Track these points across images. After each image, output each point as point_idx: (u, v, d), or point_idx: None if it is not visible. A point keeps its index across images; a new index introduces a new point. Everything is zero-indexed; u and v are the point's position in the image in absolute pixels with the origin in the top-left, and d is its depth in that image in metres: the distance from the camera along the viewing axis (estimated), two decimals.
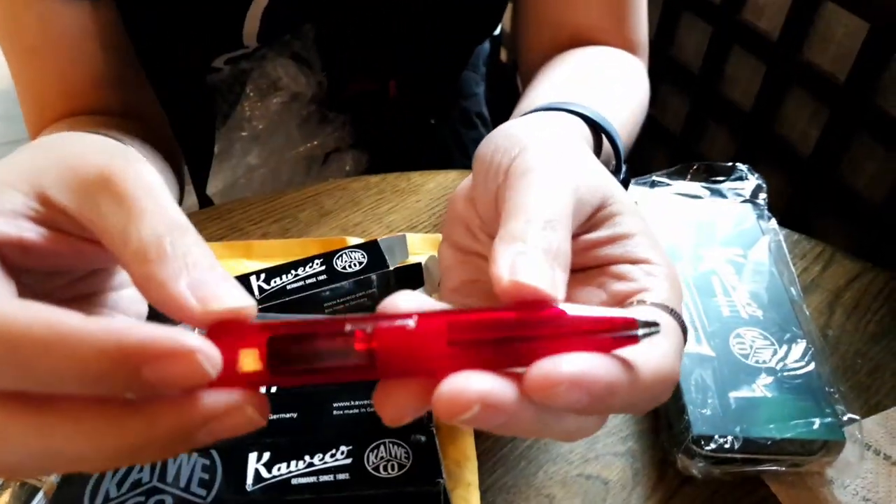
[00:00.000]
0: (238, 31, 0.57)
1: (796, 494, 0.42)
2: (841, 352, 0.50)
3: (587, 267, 0.32)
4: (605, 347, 0.23)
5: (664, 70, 1.00)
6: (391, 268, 0.47)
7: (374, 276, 0.46)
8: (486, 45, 0.82)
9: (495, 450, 0.44)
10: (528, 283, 0.24)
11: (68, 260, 0.27)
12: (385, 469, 0.34)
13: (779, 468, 0.42)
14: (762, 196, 0.55)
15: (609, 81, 0.53)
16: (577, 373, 0.22)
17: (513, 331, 0.23)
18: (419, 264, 0.48)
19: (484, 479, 0.43)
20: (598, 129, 0.42)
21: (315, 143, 0.68)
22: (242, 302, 0.22)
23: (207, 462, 0.34)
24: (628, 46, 0.61)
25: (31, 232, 0.25)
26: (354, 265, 0.47)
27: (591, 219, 0.31)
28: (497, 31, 0.83)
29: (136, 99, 0.55)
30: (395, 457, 0.35)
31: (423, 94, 0.73)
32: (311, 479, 0.34)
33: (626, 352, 0.24)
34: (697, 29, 0.92)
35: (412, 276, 0.47)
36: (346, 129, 0.70)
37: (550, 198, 0.28)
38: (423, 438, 0.36)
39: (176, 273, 0.22)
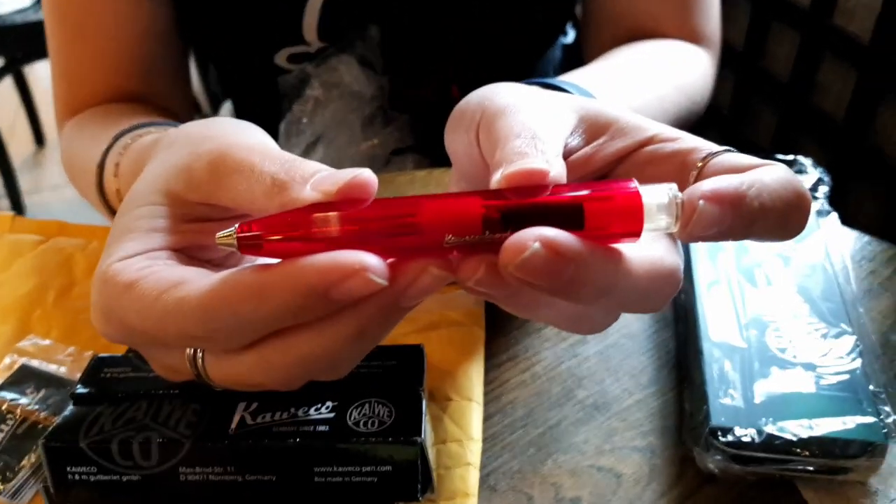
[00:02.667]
0: (298, 24, 0.60)
1: (828, 501, 0.38)
2: None
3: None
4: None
5: (753, 81, 0.96)
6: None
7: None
8: (558, 53, 0.81)
9: (504, 435, 0.43)
10: (515, 169, 0.24)
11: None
12: (365, 425, 0.34)
13: (811, 472, 0.38)
14: (822, 189, 0.51)
15: (635, 66, 0.51)
16: (551, 236, 0.22)
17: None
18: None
19: (489, 462, 0.41)
20: None
21: (376, 141, 0.70)
22: (347, 176, 0.25)
23: (198, 407, 0.35)
24: (693, 38, 0.59)
25: (179, 234, 0.30)
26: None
27: (605, 132, 0.31)
28: (571, 39, 0.82)
29: (172, 91, 0.59)
30: (378, 415, 0.35)
31: None
32: (291, 429, 0.34)
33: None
34: (788, 36, 0.88)
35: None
36: (408, 130, 0.72)
37: (531, 121, 0.28)
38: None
39: (300, 186, 0.25)
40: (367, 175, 0.25)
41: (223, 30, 0.62)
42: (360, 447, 0.33)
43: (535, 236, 0.22)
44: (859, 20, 0.75)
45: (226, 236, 0.25)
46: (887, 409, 0.38)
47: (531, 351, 0.47)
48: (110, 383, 0.37)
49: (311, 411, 0.35)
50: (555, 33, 0.72)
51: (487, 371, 0.46)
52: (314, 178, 0.26)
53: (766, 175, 0.25)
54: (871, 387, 0.39)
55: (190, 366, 0.29)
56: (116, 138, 0.46)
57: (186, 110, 0.64)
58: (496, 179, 0.25)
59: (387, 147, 0.72)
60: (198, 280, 0.26)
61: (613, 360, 0.47)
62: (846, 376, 0.39)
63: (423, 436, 0.34)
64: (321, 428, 0.34)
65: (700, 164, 0.28)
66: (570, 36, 0.82)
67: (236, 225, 0.25)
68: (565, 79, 0.47)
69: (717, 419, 0.38)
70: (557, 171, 0.25)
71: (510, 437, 0.43)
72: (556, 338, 0.48)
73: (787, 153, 0.56)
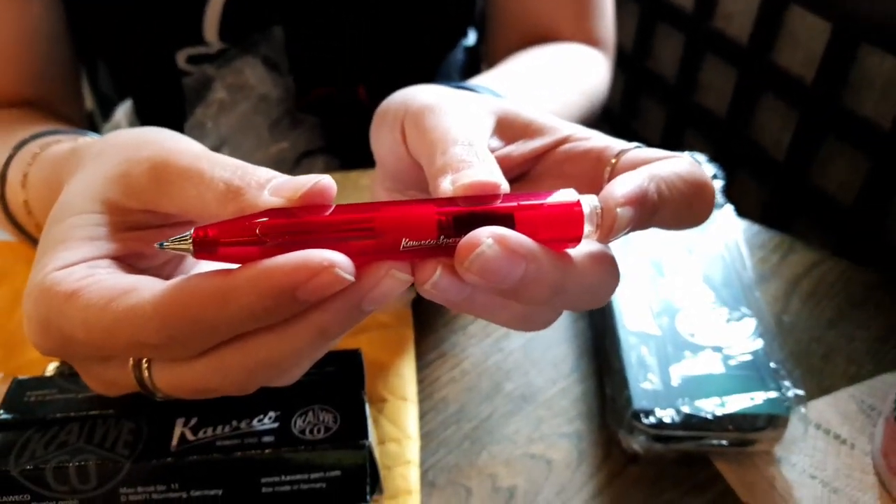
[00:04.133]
0: (198, 24, 0.59)
1: (743, 473, 0.42)
2: (796, 337, 0.49)
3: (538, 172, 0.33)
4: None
5: (642, 81, 1.01)
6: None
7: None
8: (460, 55, 0.83)
9: (438, 431, 0.44)
10: (470, 181, 0.26)
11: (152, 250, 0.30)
12: (311, 432, 0.34)
13: (724, 446, 0.41)
14: (717, 183, 0.55)
15: (541, 70, 0.54)
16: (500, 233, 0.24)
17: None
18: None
19: (426, 458, 0.43)
20: None
21: (285, 145, 0.69)
22: (308, 183, 0.25)
23: (134, 426, 0.34)
24: (590, 41, 0.62)
25: (118, 242, 0.29)
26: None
27: (522, 133, 0.33)
28: (472, 42, 0.84)
29: (66, 95, 0.57)
30: (323, 421, 0.35)
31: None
32: (236, 442, 0.34)
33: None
34: (673, 38, 0.93)
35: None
36: (317, 132, 0.71)
37: (459, 125, 0.29)
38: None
39: (256, 191, 0.25)
40: (327, 181, 0.25)
41: (120, 30, 0.59)
42: (308, 455, 0.33)
43: (488, 233, 0.23)
44: (738, 23, 0.81)
45: (180, 241, 0.25)
46: (787, 383, 0.42)
47: (458, 348, 0.49)
48: (36, 407, 0.35)
49: (255, 422, 0.35)
50: (457, 34, 0.73)
51: (418, 370, 0.47)
52: (272, 183, 0.25)
53: (666, 168, 0.27)
54: (771, 364, 0.42)
55: (133, 375, 0.29)
56: (18, 147, 0.44)
57: (80, 114, 0.62)
58: (446, 188, 0.26)
59: (296, 150, 0.72)
60: (149, 287, 0.25)
61: (536, 351, 0.49)
62: (749, 356, 0.43)
63: (369, 439, 0.34)
64: (266, 438, 0.34)
65: (613, 161, 0.30)
66: (472, 38, 0.84)
67: (191, 230, 0.25)
68: (476, 82, 0.49)
69: (638, 402, 0.41)
70: (505, 182, 0.26)
71: (445, 433, 0.44)
72: (481, 334, 0.50)
73: (674, 149, 0.60)
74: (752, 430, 0.40)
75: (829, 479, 0.41)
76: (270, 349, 0.25)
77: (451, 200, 0.26)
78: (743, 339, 0.44)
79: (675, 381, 0.42)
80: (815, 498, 0.40)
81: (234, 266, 0.25)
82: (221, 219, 0.25)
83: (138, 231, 0.30)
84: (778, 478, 0.41)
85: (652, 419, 0.40)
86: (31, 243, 0.47)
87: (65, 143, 0.43)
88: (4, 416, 0.35)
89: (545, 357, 0.49)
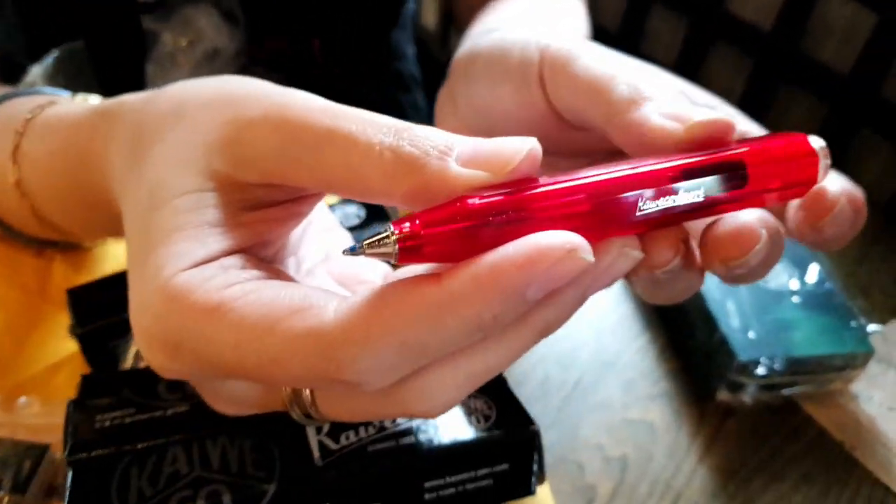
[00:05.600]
0: None
1: (830, 413, 0.42)
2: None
3: None
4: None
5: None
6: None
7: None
8: (413, 3, 0.78)
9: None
10: (704, 120, 0.22)
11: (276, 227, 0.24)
12: (471, 423, 0.30)
13: (814, 388, 0.41)
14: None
15: (558, 11, 0.51)
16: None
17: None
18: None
19: None
20: None
21: None
22: (522, 150, 0.20)
23: (255, 442, 0.28)
24: None
25: (244, 228, 0.23)
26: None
27: None
28: None
29: None
30: (478, 410, 0.30)
31: (349, 54, 0.68)
32: (390, 444, 0.28)
33: None
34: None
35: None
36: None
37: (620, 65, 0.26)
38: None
39: (439, 162, 0.20)
40: (537, 145, 0.20)
41: None
42: (476, 447, 0.29)
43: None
44: None
45: (380, 243, 0.19)
46: (862, 320, 0.42)
47: None
48: (116, 434, 0.27)
49: (401, 419, 0.29)
50: None
51: None
52: (461, 151, 0.20)
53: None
54: (847, 303, 0.43)
55: (287, 400, 0.23)
56: None
57: None
58: (665, 125, 0.23)
59: None
60: (327, 303, 0.19)
61: (598, 318, 0.46)
62: (825, 298, 0.43)
63: (534, 421, 0.30)
64: (424, 437, 0.29)
65: None
66: None
67: (388, 227, 0.19)
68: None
69: (745, 354, 0.39)
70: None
71: (534, 409, 0.41)
72: None
73: None
74: (845, 369, 0.41)
75: None
76: (487, 361, 0.21)
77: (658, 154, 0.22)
78: (814, 281, 0.44)
79: (767, 330, 0.41)
80: None
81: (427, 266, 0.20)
82: (392, 196, 0.20)
83: (260, 211, 0.23)
84: (861, 414, 0.42)
85: (761, 369, 0.39)
86: (10, 238, 0.37)
87: (63, 104, 0.34)
88: (81, 456, 0.27)
89: (608, 322, 0.46)
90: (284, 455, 0.27)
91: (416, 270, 0.21)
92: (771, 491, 0.38)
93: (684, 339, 0.44)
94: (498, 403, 0.31)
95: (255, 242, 0.23)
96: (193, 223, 0.21)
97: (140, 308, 0.21)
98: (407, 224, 0.18)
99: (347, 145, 0.20)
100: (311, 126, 0.21)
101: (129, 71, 0.56)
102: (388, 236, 0.18)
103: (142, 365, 0.34)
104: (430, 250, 0.19)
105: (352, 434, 0.28)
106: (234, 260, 0.22)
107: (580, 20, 0.54)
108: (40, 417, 0.31)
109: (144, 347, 0.21)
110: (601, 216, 0.20)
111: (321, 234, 0.30)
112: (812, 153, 0.23)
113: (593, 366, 0.43)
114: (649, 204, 0.21)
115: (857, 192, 0.25)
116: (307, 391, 0.23)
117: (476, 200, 0.19)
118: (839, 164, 0.25)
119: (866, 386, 0.43)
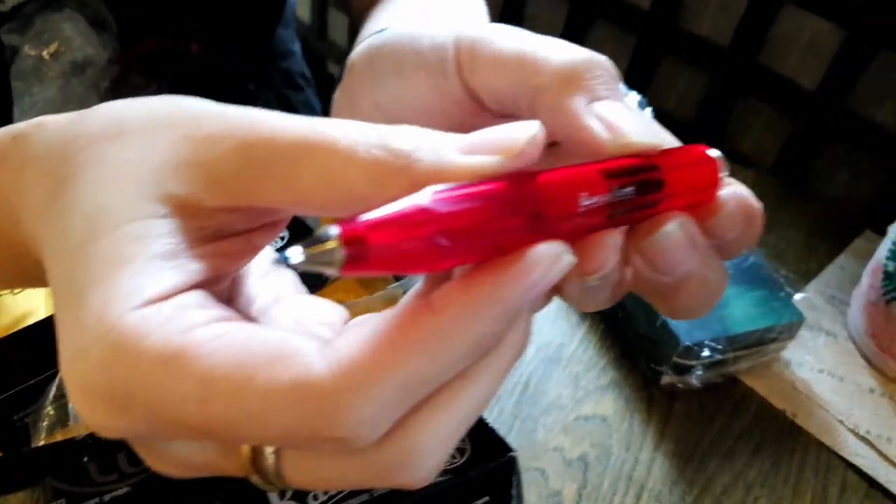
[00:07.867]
0: None
1: (768, 383, 0.43)
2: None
3: None
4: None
5: None
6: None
7: None
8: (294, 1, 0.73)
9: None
10: (638, 144, 0.20)
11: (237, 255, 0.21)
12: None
13: (753, 361, 0.42)
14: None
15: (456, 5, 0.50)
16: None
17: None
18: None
19: None
20: None
21: None
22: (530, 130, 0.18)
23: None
24: None
25: (203, 261, 0.19)
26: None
27: None
28: None
29: None
30: None
31: (233, 55, 0.63)
32: (364, 497, 0.26)
33: None
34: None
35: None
36: (154, 94, 0.58)
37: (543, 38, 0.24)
38: None
39: (435, 155, 0.18)
40: (538, 128, 0.18)
41: None
42: (454, 486, 0.27)
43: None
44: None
45: (321, 250, 0.15)
46: (788, 290, 0.44)
47: None
48: None
49: None
50: None
51: None
52: (461, 139, 0.18)
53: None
54: (773, 274, 0.44)
55: (246, 464, 0.20)
56: None
57: None
58: (603, 139, 0.21)
59: None
60: (309, 348, 0.17)
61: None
62: (752, 272, 0.44)
63: (513, 448, 0.29)
64: None
65: None
66: None
67: (332, 228, 0.15)
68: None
69: (688, 338, 0.39)
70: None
71: (489, 415, 0.39)
72: None
73: None
74: (781, 339, 0.42)
75: (832, 369, 0.45)
76: (479, 392, 0.18)
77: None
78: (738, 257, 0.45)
79: None
80: (830, 390, 0.43)
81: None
82: (380, 201, 0.17)
83: (217, 242, 0.20)
84: (796, 380, 0.44)
85: (706, 351, 0.39)
86: None
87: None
88: None
89: (548, 313, 0.45)
90: None
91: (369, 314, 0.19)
92: (726, 471, 0.39)
93: (623, 327, 0.44)
94: (471, 432, 0.29)
95: (209, 277, 0.20)
96: (144, 255, 0.18)
97: (76, 357, 0.17)
98: (357, 224, 0.16)
99: (326, 151, 0.18)
100: (282, 135, 0.18)
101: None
102: (327, 239, 0.15)
103: (58, 437, 0.29)
104: (381, 256, 0.16)
105: (321, 493, 0.26)
106: (192, 297, 0.18)
107: (484, 17, 0.52)
108: None
109: (81, 403, 0.18)
110: (534, 221, 0.18)
111: (265, 270, 0.27)
112: (712, 160, 0.23)
113: (540, 364, 0.42)
114: (584, 203, 0.19)
115: (749, 196, 0.24)
116: (269, 452, 0.20)
117: (433, 204, 0.16)
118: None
119: (798, 352, 0.45)
